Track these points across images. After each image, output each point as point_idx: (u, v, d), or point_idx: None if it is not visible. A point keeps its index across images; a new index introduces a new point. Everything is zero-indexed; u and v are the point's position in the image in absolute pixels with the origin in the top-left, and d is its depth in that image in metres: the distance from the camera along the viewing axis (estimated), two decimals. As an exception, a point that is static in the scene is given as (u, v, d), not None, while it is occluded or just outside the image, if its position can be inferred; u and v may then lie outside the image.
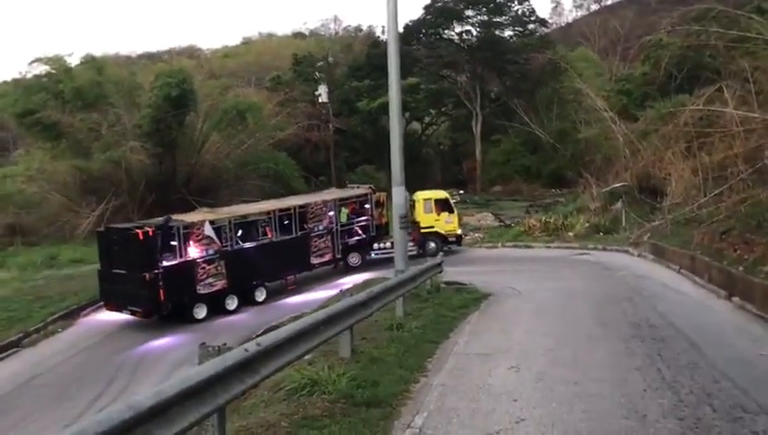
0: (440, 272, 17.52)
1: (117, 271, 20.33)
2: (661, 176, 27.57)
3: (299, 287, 23.46)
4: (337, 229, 25.72)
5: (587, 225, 30.13)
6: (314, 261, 24.94)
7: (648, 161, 29.72)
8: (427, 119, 57.57)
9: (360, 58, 55.18)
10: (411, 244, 26.94)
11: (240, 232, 22.54)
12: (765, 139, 18.64)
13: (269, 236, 23.27)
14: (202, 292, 20.82)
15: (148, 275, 19.35)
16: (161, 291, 19.56)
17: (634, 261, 22.88)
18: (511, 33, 51.81)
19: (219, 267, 21.17)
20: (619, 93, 42.63)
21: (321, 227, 25.15)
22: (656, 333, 10.81)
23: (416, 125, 57.23)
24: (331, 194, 28.18)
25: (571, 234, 29.90)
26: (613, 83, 46.70)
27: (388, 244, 26.67)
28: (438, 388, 8.17)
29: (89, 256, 28.44)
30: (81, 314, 21.47)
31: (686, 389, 7.64)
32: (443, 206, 28.73)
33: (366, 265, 26.22)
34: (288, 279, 23.98)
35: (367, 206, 27.86)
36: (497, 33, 51.17)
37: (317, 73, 50.87)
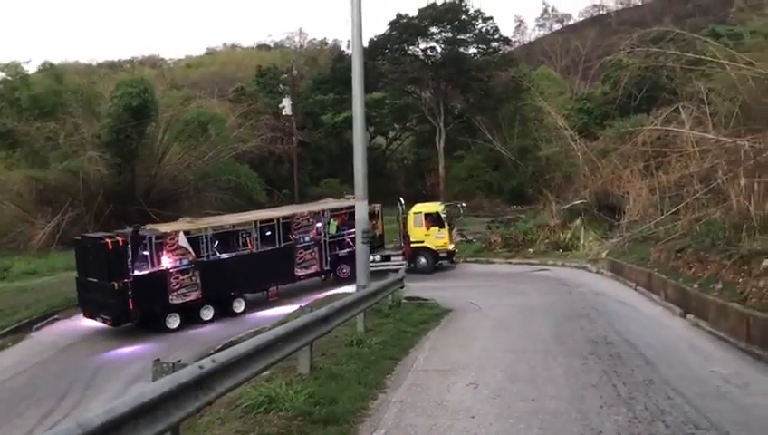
0: (402, 287, 17.53)
1: (90, 279, 20.48)
2: (619, 194, 28.07)
3: (283, 299, 23.13)
4: (325, 241, 25.45)
5: (546, 241, 30.51)
6: (299, 273, 24.70)
7: (606, 179, 30.24)
8: (391, 133, 57.84)
9: (324, 71, 55.32)
10: (401, 258, 27.23)
11: (218, 243, 22.41)
12: (719, 159, 19.12)
13: (249, 247, 23.15)
14: (175, 302, 20.85)
15: (116, 284, 19.42)
16: (130, 300, 19.63)
17: (592, 278, 23.23)
18: (475, 50, 52.40)
19: (194, 278, 21.18)
20: (580, 112, 43.50)
21: (307, 239, 24.96)
22: (612, 350, 10.96)
23: (380, 139, 57.45)
24: (320, 205, 27.92)
25: (531, 250, 30.24)
26: (574, 102, 47.64)
27: (377, 257, 26.56)
28: (397, 404, 8.15)
29: (42, 268, 27.84)
30: (33, 327, 21.00)
31: (640, 405, 7.75)
32: (433, 220, 27.66)
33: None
34: (270, 291, 23.79)
35: None
36: (461, 50, 51.68)
37: (281, 86, 50.78)
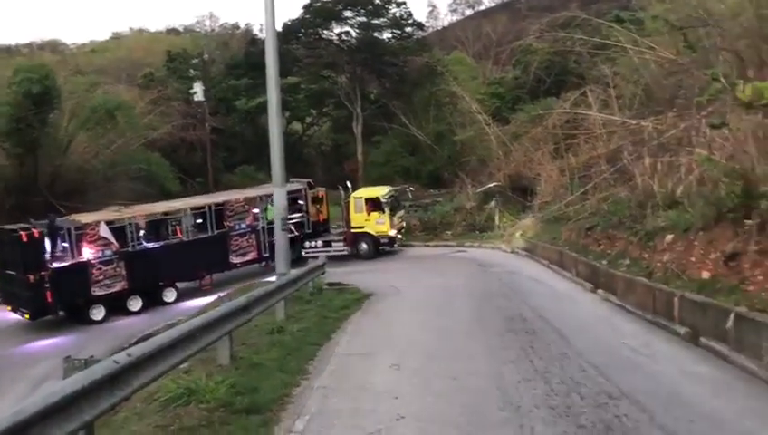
0: (323, 274, 17.48)
1: (9, 272, 20.11)
2: (531, 176, 28.94)
3: (221, 287, 22.33)
4: (263, 227, 24.80)
5: (463, 223, 31.13)
6: (235, 260, 24.26)
7: (519, 162, 31.10)
8: (308, 119, 57.24)
9: (237, 56, 54.02)
10: (342, 244, 27.16)
11: (145, 232, 21.93)
12: (625, 140, 19.96)
13: (179, 235, 22.55)
14: (98, 293, 20.50)
15: (32, 277, 19.01)
16: (48, 293, 19.25)
17: (507, 257, 23.88)
18: (389, 35, 52.38)
19: (118, 268, 20.79)
20: (493, 97, 44.28)
21: (243, 225, 24.48)
22: (528, 327, 11.31)
23: (297, 125, 56.76)
24: (257, 190, 27.24)
25: (448, 232, 30.78)
26: (487, 87, 48.41)
27: (319, 242, 26.57)
28: (320, 390, 8.14)
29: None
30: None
31: (556, 378, 8.03)
32: (374, 205, 27.31)
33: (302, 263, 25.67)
34: (203, 279, 23.20)
35: (300, 202, 27.06)
36: (376, 35, 51.58)
37: (192, 71, 49.31)
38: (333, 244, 27.46)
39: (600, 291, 14.33)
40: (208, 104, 45.93)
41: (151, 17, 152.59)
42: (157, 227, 22.62)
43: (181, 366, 7.73)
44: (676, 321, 10.10)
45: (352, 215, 27.44)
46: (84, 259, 20.25)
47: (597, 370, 8.29)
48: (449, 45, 63.59)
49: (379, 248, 27.31)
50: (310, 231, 27.32)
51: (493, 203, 30.98)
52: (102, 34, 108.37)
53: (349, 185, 28.90)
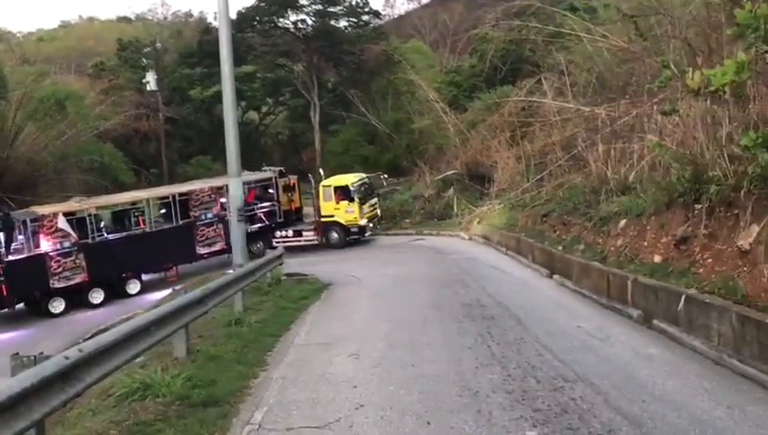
0: (281, 264, 17.36)
1: None
2: (489, 163, 29.18)
3: (188, 278, 21.99)
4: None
5: (422, 211, 31.27)
6: (202, 251, 23.76)
7: (476, 150, 31.33)
8: (264, 108, 56.68)
9: (191, 45, 53.04)
10: (312, 233, 26.80)
11: (104, 223, 21.54)
12: (579, 128, 20.27)
13: (141, 226, 22.16)
14: (57, 286, 20.28)
15: None
16: (3, 286, 19.08)
17: (465, 244, 24.07)
18: (346, 23, 52.12)
19: (78, 260, 20.54)
20: (450, 85, 44.46)
21: (209, 215, 23.99)
22: (486, 313, 11.42)
23: (253, 114, 56.15)
24: (224, 180, 26.70)
25: (407, 220, 30.89)
26: (444, 75, 48.58)
27: (289, 232, 26.26)
28: (279, 381, 8.08)
29: None
30: None
31: (513, 363, 8.12)
32: (343, 194, 26.80)
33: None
34: (168, 270, 22.78)
35: (271, 190, 26.65)
36: (332, 23, 51.26)
37: (144, 60, 48.23)
38: (304, 233, 27.13)
39: (556, 276, 14.55)
40: (162, 94, 45.09)
41: (101, 5, 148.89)
42: (120, 217, 22.32)
43: (136, 360, 7.61)
44: (630, 304, 10.32)
45: (321, 203, 27.00)
46: (41, 251, 20.01)
47: (553, 354, 8.41)
48: (406, 34, 63.56)
49: (349, 238, 26.85)
50: (281, 220, 26.88)
51: (451, 191, 31.17)
52: (50, 23, 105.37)
53: (321, 172, 28.57)
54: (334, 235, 26.81)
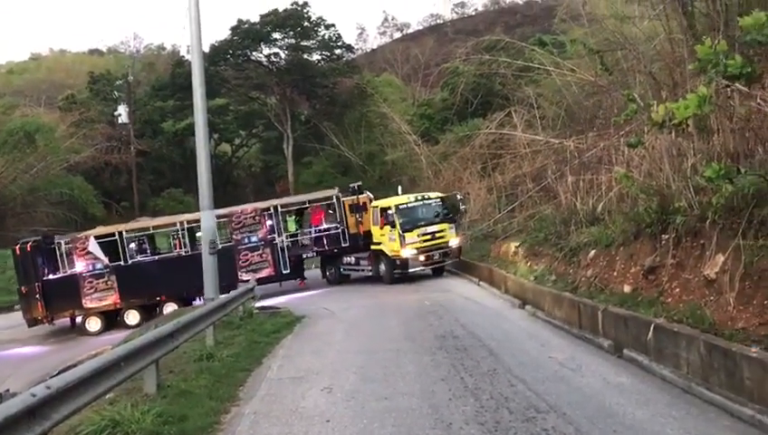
0: (253, 297, 17.21)
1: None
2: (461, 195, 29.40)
3: None
4: (282, 241, 22.91)
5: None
6: (245, 277, 21.52)
7: (448, 181, 31.59)
8: (237, 141, 56.74)
9: (163, 77, 53.22)
10: (367, 262, 23.45)
11: (135, 245, 22.40)
12: (548, 159, 20.61)
13: (177, 249, 22.18)
14: (89, 306, 21.43)
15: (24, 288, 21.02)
16: (39, 303, 20.80)
17: (439, 276, 24.03)
18: (319, 57, 52.74)
19: (110, 282, 21.35)
20: (422, 117, 45.05)
21: (254, 239, 22.65)
22: (459, 344, 11.41)
23: (225, 147, 56.16)
24: (274, 201, 24.82)
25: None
26: (416, 108, 49.25)
27: (351, 259, 23.61)
28: (250, 416, 7.99)
29: None
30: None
31: (486, 394, 8.13)
32: (385, 217, 22.07)
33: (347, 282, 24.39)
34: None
35: (331, 212, 24.11)
36: (305, 56, 51.80)
37: (116, 93, 48.25)
38: (361, 262, 23.77)
39: (528, 307, 14.62)
40: (133, 127, 44.93)
41: (72, 38, 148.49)
42: (155, 241, 23.33)
43: (106, 397, 7.48)
44: (601, 334, 10.41)
45: (372, 228, 23.08)
46: (75, 272, 21.61)
47: (525, 384, 8.44)
48: (378, 67, 64.41)
49: (395, 271, 22.01)
50: (347, 244, 23.58)
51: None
52: (20, 55, 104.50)
53: (400, 190, 24.78)
54: (382, 267, 22.55)
